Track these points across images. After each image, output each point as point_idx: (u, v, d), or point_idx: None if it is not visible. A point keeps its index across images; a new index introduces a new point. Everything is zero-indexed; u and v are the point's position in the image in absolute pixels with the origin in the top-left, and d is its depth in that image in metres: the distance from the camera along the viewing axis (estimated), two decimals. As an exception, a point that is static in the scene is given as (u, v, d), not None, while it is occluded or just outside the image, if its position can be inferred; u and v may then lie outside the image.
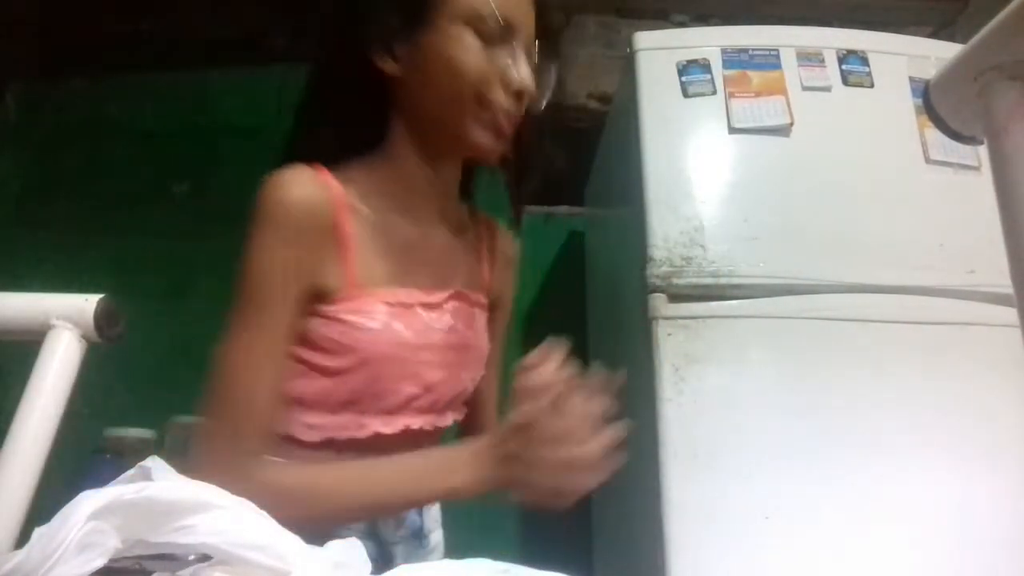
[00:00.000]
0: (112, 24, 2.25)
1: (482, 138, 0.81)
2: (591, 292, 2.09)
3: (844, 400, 1.24)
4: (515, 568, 0.56)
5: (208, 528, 0.51)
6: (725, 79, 1.43)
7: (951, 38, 2.27)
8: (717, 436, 1.21)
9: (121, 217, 2.17)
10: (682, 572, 1.13)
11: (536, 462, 0.72)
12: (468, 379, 0.89)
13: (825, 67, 1.45)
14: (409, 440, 0.80)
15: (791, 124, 1.39)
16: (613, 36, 2.44)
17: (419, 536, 0.90)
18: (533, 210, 1.82)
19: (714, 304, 1.28)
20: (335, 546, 0.55)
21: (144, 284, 2.01)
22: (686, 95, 1.42)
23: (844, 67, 1.46)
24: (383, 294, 0.80)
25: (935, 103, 0.67)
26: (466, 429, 0.96)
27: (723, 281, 1.29)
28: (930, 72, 0.70)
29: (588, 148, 2.01)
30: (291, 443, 0.78)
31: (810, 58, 1.46)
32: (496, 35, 0.79)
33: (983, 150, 0.61)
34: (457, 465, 0.75)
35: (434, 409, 0.85)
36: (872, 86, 1.45)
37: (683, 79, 1.44)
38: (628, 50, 1.52)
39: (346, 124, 0.85)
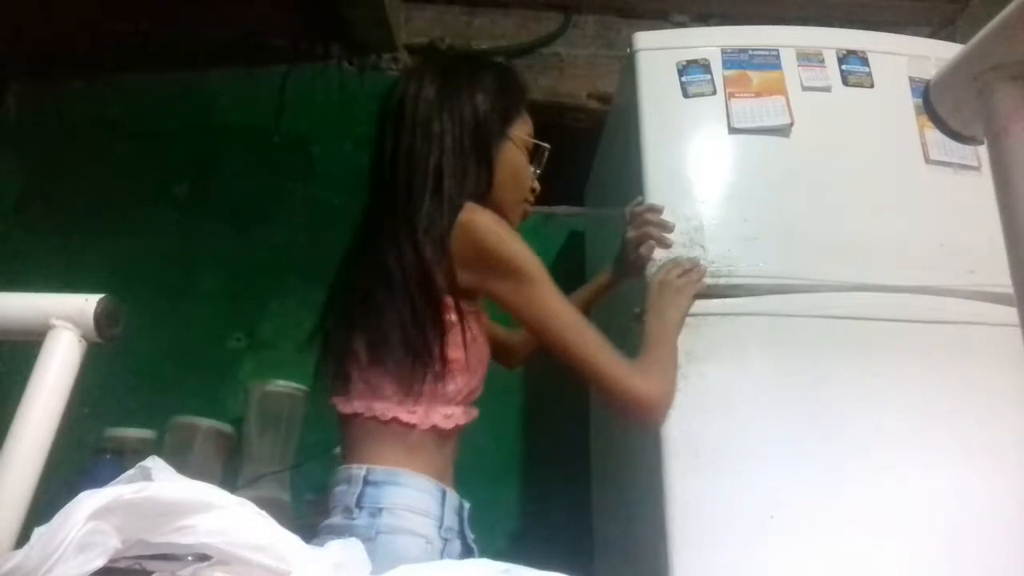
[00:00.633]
0: (112, 24, 2.25)
1: (517, 225, 1.15)
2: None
3: (845, 398, 1.24)
4: (515, 568, 0.56)
5: (208, 528, 0.51)
6: (725, 79, 1.43)
7: (951, 38, 2.27)
8: (718, 434, 1.20)
9: (121, 217, 2.17)
10: (684, 571, 1.13)
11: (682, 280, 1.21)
12: None
13: (825, 67, 1.45)
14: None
15: (791, 124, 1.39)
16: (613, 36, 2.44)
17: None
18: (532, 210, 1.81)
19: (715, 302, 1.28)
20: (335, 546, 0.55)
21: (144, 284, 2.01)
22: (686, 95, 1.42)
23: (844, 67, 1.46)
24: None
25: (935, 103, 0.67)
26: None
27: (723, 281, 1.29)
28: (930, 72, 0.70)
29: (588, 148, 2.01)
30: (434, 432, 0.99)
31: (810, 58, 1.46)
32: (531, 151, 1.17)
33: (983, 150, 0.61)
34: (664, 306, 1.17)
35: None
36: (872, 86, 1.45)
37: (683, 79, 1.44)
38: (628, 50, 1.52)
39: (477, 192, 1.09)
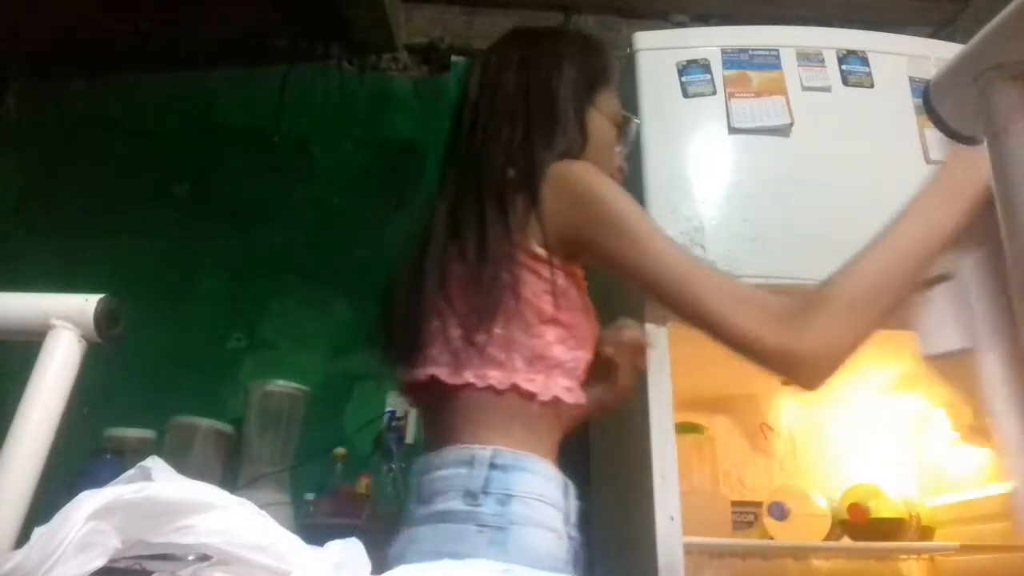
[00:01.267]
0: (112, 24, 2.25)
1: None
2: (591, 292, 2.08)
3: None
4: (515, 568, 0.56)
5: (208, 528, 0.51)
6: (725, 79, 1.43)
7: (951, 38, 2.27)
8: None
9: (121, 217, 2.17)
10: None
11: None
12: None
13: (825, 67, 1.45)
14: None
15: (791, 124, 1.39)
16: (613, 36, 2.43)
17: None
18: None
19: (714, 304, 1.27)
20: (335, 546, 0.55)
21: (144, 284, 2.01)
22: (686, 95, 1.42)
23: (844, 67, 1.46)
24: None
25: (935, 103, 0.67)
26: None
27: (723, 281, 1.29)
28: (930, 72, 0.70)
29: (588, 148, 2.00)
30: (554, 407, 0.89)
31: (810, 58, 1.46)
32: (619, 128, 1.07)
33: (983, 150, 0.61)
34: (961, 187, 0.80)
35: None
36: (872, 86, 1.45)
37: (683, 79, 1.44)
38: (628, 50, 1.52)
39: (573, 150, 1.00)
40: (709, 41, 1.48)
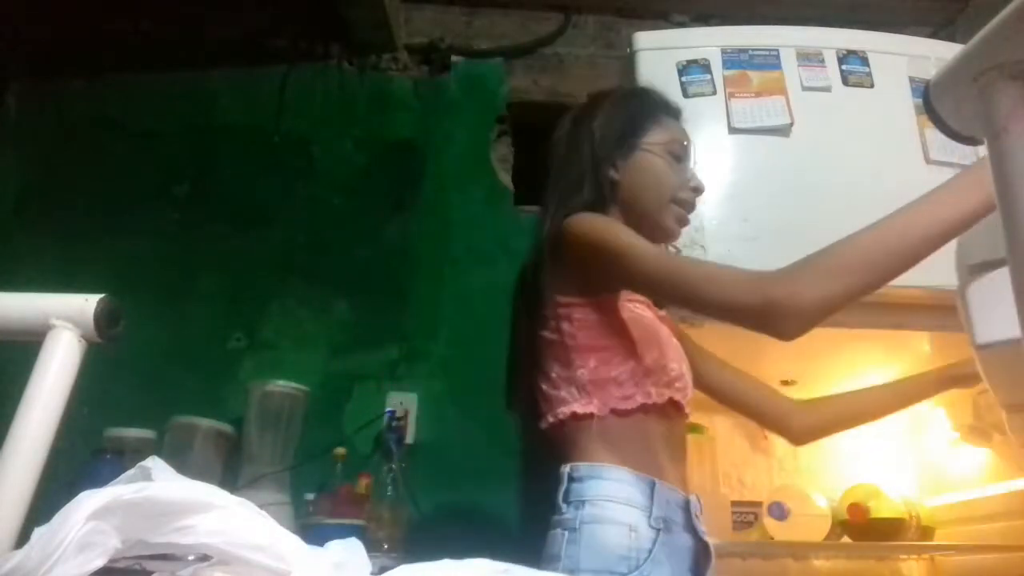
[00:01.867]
0: (112, 24, 2.25)
1: (674, 226, 1.14)
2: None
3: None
4: (515, 568, 0.56)
5: (208, 528, 0.51)
6: (725, 79, 1.43)
7: (951, 38, 2.27)
8: (717, 436, 1.21)
9: (121, 217, 2.16)
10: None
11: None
12: (688, 372, 1.12)
13: (825, 67, 1.45)
14: (675, 411, 1.08)
15: (791, 124, 1.39)
16: (613, 36, 2.43)
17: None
18: (532, 210, 1.81)
19: (714, 304, 1.28)
20: (335, 546, 0.55)
21: (144, 284, 2.01)
22: (686, 95, 1.42)
23: (844, 67, 1.46)
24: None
25: (935, 103, 0.67)
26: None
27: (723, 281, 1.29)
28: (930, 72, 0.70)
29: (588, 148, 2.00)
30: (617, 417, 1.03)
31: (810, 58, 1.46)
32: (680, 155, 1.16)
33: (983, 150, 0.61)
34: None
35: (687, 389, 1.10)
36: (872, 86, 1.45)
37: (683, 79, 1.44)
38: (628, 50, 1.52)
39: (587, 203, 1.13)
40: (709, 41, 1.49)
